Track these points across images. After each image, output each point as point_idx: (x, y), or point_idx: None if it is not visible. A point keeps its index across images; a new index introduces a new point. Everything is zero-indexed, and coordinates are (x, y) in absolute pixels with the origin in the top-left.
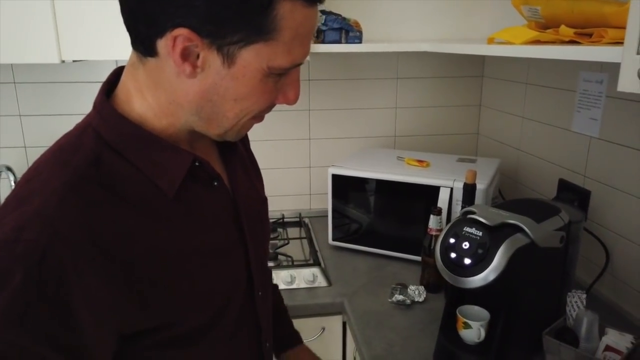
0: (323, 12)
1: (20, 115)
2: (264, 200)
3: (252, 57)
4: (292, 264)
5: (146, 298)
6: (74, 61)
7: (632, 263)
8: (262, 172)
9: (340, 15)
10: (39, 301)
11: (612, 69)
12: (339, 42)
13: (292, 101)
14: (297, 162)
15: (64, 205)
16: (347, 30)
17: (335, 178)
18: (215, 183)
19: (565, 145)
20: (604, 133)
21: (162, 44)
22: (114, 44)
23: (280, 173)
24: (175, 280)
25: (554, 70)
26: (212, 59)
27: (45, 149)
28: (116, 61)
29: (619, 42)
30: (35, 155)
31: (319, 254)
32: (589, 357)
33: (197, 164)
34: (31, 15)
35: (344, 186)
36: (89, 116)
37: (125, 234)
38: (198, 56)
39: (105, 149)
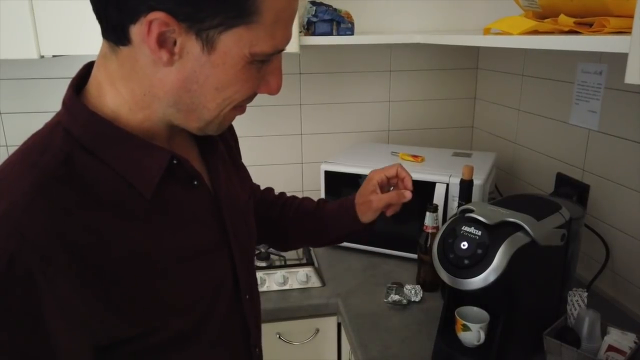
0: (313, 3)
1: (0, 113)
2: (247, 200)
3: (233, 43)
4: (285, 264)
5: (123, 305)
6: (53, 56)
7: (633, 259)
8: (253, 168)
9: (331, 6)
10: (6, 312)
11: (611, 60)
12: (330, 34)
13: (275, 90)
14: (288, 158)
15: (31, 209)
16: (339, 22)
17: (328, 174)
18: (195, 182)
19: (563, 139)
20: (604, 126)
21: (136, 31)
22: (96, 38)
23: (271, 169)
24: (154, 285)
25: (551, 61)
26: (190, 45)
27: None
28: None
29: (621, 32)
30: None
31: (312, 252)
32: (591, 357)
33: (175, 162)
34: (8, 8)
35: (337, 183)
36: (58, 114)
37: (98, 238)
38: (175, 42)
39: (75, 148)
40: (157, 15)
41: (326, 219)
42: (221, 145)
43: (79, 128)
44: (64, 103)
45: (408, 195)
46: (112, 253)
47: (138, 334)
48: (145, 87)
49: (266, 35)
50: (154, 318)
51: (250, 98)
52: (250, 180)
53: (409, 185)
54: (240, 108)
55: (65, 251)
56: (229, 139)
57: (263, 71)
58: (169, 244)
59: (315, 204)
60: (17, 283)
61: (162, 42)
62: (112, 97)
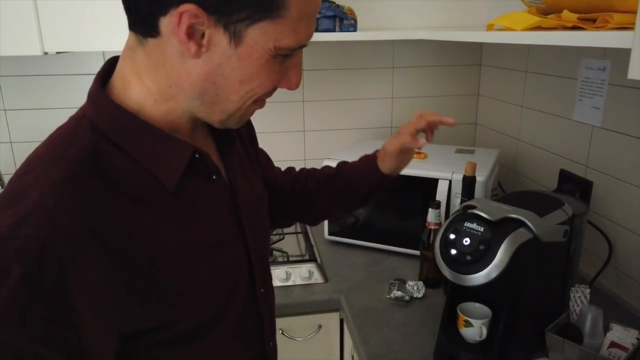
0: None
1: (5, 110)
2: (262, 195)
3: (258, 36)
4: (288, 260)
5: (147, 296)
6: (57, 53)
7: (636, 255)
8: None
9: (334, 2)
10: (39, 299)
11: (615, 56)
12: (332, 30)
13: (295, 85)
14: (291, 154)
15: (62, 199)
16: (341, 18)
17: None
18: (214, 177)
19: (566, 135)
20: (607, 122)
21: (166, 22)
22: (99, 35)
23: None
24: (176, 275)
25: (555, 57)
26: (218, 38)
27: (33, 144)
28: (103, 52)
29: (625, 27)
30: (22, 150)
31: (314, 249)
32: (594, 354)
33: (197, 155)
34: (11, 5)
35: None
36: (83, 108)
37: (125, 228)
38: (203, 35)
39: (101, 140)
40: (188, 7)
41: (348, 177)
42: (237, 141)
43: (104, 121)
44: (90, 96)
45: (422, 142)
46: (136, 243)
47: (160, 324)
48: (171, 79)
49: (290, 30)
50: (175, 308)
51: (271, 92)
52: (271, 164)
53: (447, 121)
54: (260, 102)
55: (94, 241)
56: (244, 134)
57: (284, 66)
58: (190, 236)
59: (335, 168)
60: (49, 271)
61: (191, 34)
62: (138, 89)
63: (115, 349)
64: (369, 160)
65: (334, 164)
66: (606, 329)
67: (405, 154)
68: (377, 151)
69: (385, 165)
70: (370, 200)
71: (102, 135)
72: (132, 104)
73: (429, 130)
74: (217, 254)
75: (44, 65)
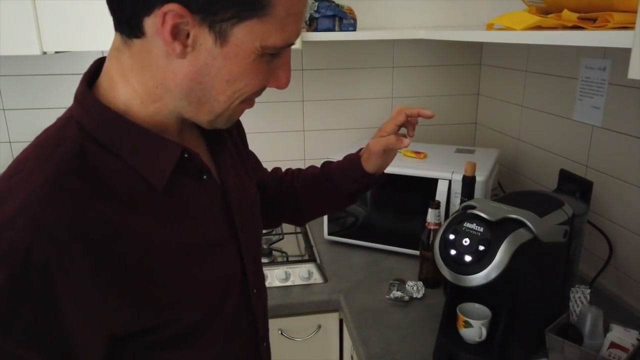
0: None
1: (4, 110)
2: (254, 196)
3: (245, 36)
4: (287, 260)
5: (137, 297)
6: (56, 52)
7: (636, 256)
8: None
9: (333, 2)
10: (24, 303)
11: (615, 55)
12: (332, 30)
13: (284, 84)
14: (291, 154)
15: (47, 201)
16: (341, 18)
17: None
18: (204, 177)
19: (566, 135)
20: (607, 122)
21: (150, 23)
22: (98, 34)
23: (273, 166)
24: (167, 276)
25: (555, 57)
26: (203, 38)
27: None
28: (102, 52)
29: (625, 27)
30: (21, 150)
31: (314, 249)
32: (594, 354)
33: (186, 155)
34: (10, 5)
35: None
36: (70, 109)
37: (112, 229)
38: (188, 35)
39: (88, 141)
40: (172, 7)
41: (333, 177)
42: (228, 141)
43: (91, 122)
44: (76, 97)
45: (406, 142)
46: (125, 245)
47: (152, 326)
48: (157, 80)
49: (277, 29)
50: (167, 310)
51: (259, 92)
52: (260, 165)
53: (425, 113)
54: (249, 102)
55: (81, 243)
56: (235, 134)
57: (273, 65)
58: (180, 236)
59: (320, 167)
60: (35, 274)
61: (176, 34)
62: (124, 90)
63: (105, 351)
64: (353, 160)
65: None
66: (606, 329)
67: (389, 153)
68: (360, 150)
69: (369, 165)
70: (357, 199)
71: (89, 135)
72: (119, 105)
73: (410, 125)
74: (208, 254)
75: (42, 64)
